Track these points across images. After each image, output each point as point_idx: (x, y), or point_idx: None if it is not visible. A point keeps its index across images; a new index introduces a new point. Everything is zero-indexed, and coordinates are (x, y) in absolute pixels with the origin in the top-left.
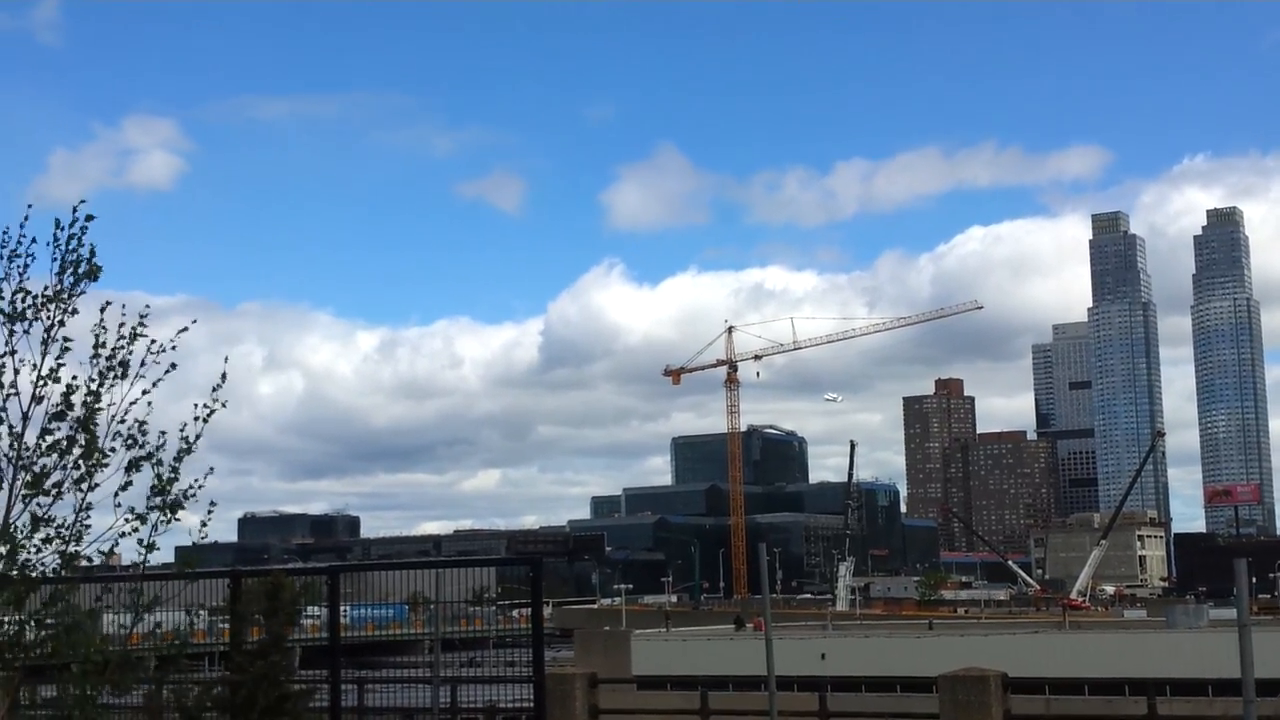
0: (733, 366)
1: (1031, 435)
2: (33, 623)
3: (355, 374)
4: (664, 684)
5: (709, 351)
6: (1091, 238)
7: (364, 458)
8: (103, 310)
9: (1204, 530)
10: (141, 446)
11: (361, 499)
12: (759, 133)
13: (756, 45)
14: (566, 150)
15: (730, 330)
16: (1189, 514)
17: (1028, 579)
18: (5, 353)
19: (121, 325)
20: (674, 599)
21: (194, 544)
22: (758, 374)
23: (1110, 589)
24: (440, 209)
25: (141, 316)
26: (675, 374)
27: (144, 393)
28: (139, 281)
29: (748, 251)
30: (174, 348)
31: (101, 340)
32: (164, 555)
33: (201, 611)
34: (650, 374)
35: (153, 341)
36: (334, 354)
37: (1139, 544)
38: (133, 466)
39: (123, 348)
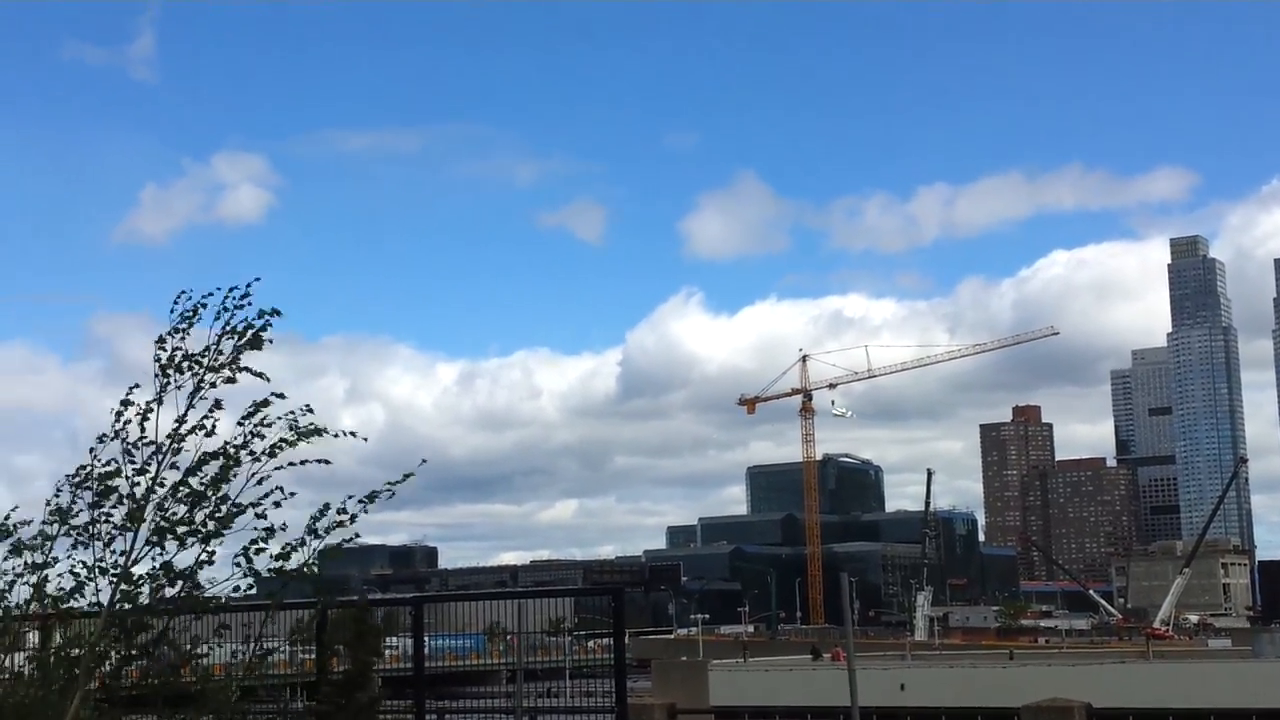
0: (807, 395)
1: (1111, 462)
2: (135, 653)
3: (435, 406)
4: (742, 714)
5: (783, 380)
6: (1170, 262)
7: (443, 489)
8: (260, 407)
9: None
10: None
11: (440, 530)
12: (840, 159)
13: (838, 72)
14: (647, 179)
15: (804, 359)
16: (1274, 541)
17: (1109, 608)
18: (152, 400)
19: (290, 415)
20: (750, 629)
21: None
22: (833, 403)
23: (1194, 618)
24: (522, 239)
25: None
26: (750, 403)
27: (289, 461)
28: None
29: (827, 279)
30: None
31: (252, 416)
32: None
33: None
34: (728, 403)
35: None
36: (414, 386)
37: (1223, 572)
38: (257, 542)
39: (269, 426)
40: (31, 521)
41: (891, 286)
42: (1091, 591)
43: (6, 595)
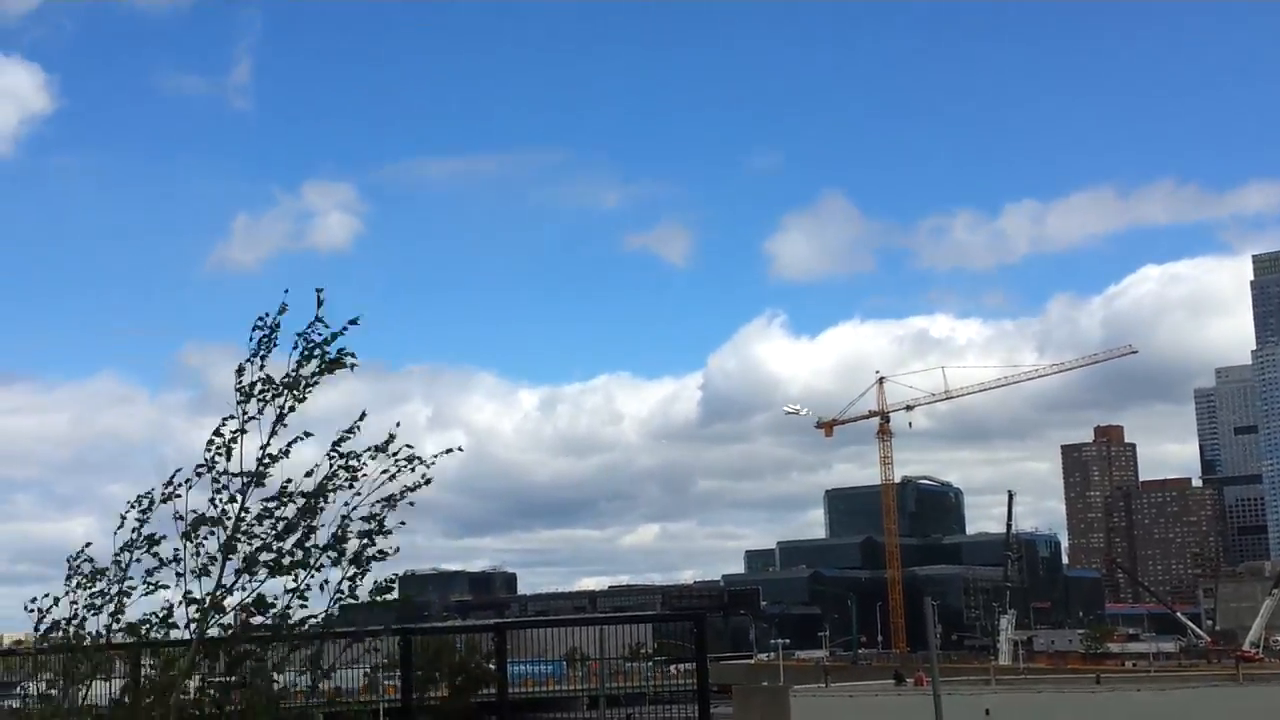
0: (885, 417)
1: (1197, 482)
2: (224, 681)
3: (517, 432)
4: None
5: (861, 403)
6: (1253, 278)
7: (526, 514)
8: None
9: None
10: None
11: (522, 555)
12: (927, 176)
13: (925, 89)
14: (732, 200)
15: (881, 381)
16: None
17: (1197, 630)
18: (236, 430)
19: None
20: (826, 654)
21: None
22: (909, 424)
23: None
24: (607, 264)
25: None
26: (828, 426)
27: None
28: None
29: (913, 299)
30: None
31: (339, 445)
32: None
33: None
34: (809, 426)
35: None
36: (496, 413)
37: None
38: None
39: (358, 458)
40: (90, 546)
41: (978, 306)
42: (1179, 614)
43: (84, 624)
